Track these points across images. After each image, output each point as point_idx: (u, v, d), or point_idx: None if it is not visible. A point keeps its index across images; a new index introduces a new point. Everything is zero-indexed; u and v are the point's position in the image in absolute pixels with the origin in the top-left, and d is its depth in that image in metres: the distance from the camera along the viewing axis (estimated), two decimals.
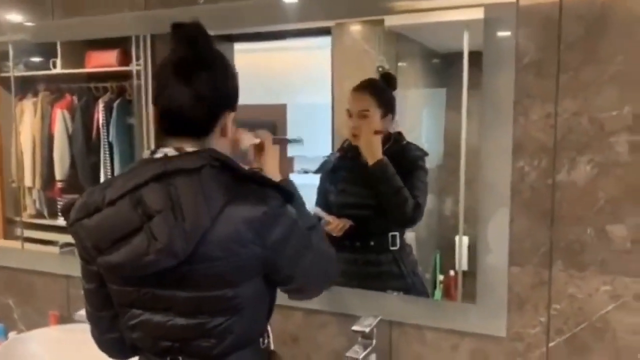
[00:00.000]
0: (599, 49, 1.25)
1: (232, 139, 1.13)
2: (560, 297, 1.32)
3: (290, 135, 1.79)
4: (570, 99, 1.28)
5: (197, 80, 1.02)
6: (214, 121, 1.05)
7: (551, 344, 1.34)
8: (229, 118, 1.07)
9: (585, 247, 1.29)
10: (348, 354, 1.35)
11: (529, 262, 1.35)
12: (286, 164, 1.75)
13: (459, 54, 1.46)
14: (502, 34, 1.33)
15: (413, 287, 1.60)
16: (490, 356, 1.40)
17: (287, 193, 1.05)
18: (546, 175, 1.31)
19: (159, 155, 1.03)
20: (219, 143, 1.06)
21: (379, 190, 1.59)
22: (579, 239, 1.30)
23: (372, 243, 1.65)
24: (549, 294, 1.33)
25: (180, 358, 1.06)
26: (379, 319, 1.43)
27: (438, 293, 1.59)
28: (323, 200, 1.72)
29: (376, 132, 1.59)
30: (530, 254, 1.34)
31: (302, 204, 1.10)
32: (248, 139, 1.21)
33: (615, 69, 1.24)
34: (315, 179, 1.74)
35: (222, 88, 1.06)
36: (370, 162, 1.56)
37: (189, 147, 1.03)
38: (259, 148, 1.23)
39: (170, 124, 1.05)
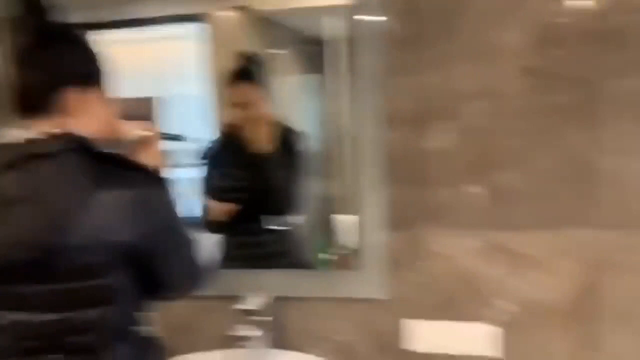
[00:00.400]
0: (457, 25, 1.36)
1: (111, 128, 1.08)
2: (436, 256, 1.42)
3: (167, 128, 1.74)
4: (434, 72, 1.38)
5: (40, 53, 0.99)
6: (52, 95, 0.99)
7: (430, 302, 1.44)
8: (76, 96, 1.01)
9: (454, 207, 1.40)
10: (231, 332, 1.36)
11: (405, 226, 1.43)
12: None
13: (333, 39, 1.51)
14: (369, 16, 1.40)
15: (301, 264, 1.64)
16: (376, 319, 1.48)
17: (159, 178, 1.03)
18: (416, 143, 1.40)
19: (9, 139, 0.97)
20: (78, 125, 1.01)
21: (261, 180, 1.62)
22: (449, 201, 1.40)
23: (258, 225, 1.66)
24: (424, 255, 1.43)
25: (55, 356, 1.00)
26: (266, 296, 1.45)
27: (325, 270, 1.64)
28: (208, 185, 1.71)
29: (264, 122, 1.61)
30: (406, 219, 1.43)
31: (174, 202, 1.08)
32: (134, 129, 1.15)
33: (471, 43, 1.35)
34: (193, 173, 1.73)
35: (63, 62, 1.01)
36: (257, 152, 1.59)
37: (40, 128, 0.97)
38: (144, 141, 1.18)
39: (15, 100, 1.00)
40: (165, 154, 1.24)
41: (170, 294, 1.14)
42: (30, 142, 0.95)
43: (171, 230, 1.05)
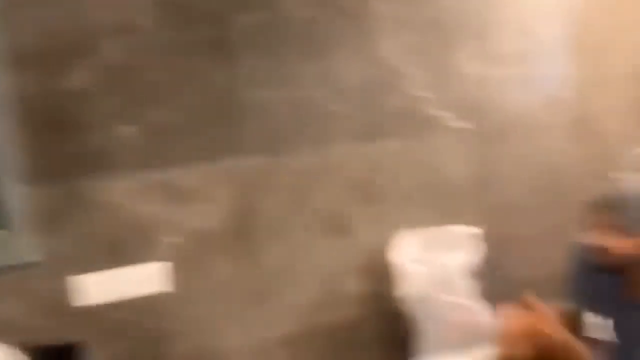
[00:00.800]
0: None
1: None
2: (96, 205, 1.35)
3: None
4: (58, 4, 1.26)
5: None
6: None
7: (97, 253, 1.37)
8: None
9: (108, 150, 1.34)
10: None
11: (57, 179, 1.31)
12: None
13: None
14: None
15: None
16: (38, 284, 1.34)
17: None
18: (53, 85, 1.28)
19: None
20: None
21: None
22: (101, 144, 1.33)
23: None
24: (83, 206, 1.34)
25: None
26: None
27: None
28: None
29: None
30: (56, 170, 1.31)
31: None
32: None
33: None
34: None
35: None
36: None
37: None
38: None
39: None
40: None
41: None
42: None
43: None
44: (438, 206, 1.69)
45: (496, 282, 1.75)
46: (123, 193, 1.36)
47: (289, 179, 1.52)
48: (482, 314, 1.58)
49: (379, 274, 1.63)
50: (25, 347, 1.23)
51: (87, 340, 1.31)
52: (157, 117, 1.37)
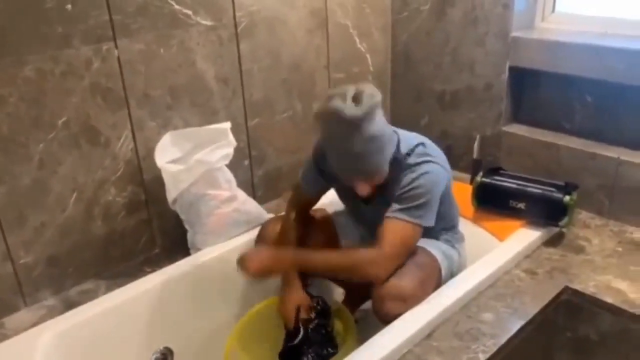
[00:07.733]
0: None
1: None
2: None
3: None
4: None
5: None
6: None
7: None
8: None
9: None
10: None
11: None
12: None
13: None
14: None
15: None
16: None
17: None
18: None
19: None
20: None
21: None
22: None
23: None
24: None
25: None
26: None
27: None
28: None
29: None
30: None
31: None
32: None
33: None
34: None
35: None
36: None
37: None
38: None
39: None
40: None
41: None
42: None
43: None
44: (194, 106, 1.69)
45: (255, 171, 1.88)
46: None
47: (22, 89, 1.35)
48: (244, 202, 1.69)
49: (146, 180, 1.62)
50: None
51: None
52: None
